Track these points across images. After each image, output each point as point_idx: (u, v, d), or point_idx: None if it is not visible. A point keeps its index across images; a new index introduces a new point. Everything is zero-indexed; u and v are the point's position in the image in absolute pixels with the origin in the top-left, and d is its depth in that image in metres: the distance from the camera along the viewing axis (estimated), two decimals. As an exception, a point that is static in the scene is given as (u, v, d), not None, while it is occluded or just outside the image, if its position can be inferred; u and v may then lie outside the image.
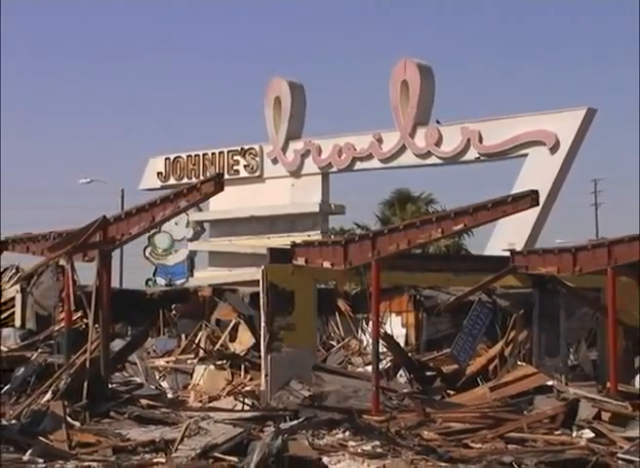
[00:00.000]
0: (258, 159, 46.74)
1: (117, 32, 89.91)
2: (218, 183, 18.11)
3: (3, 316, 23.28)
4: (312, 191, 45.15)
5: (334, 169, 45.05)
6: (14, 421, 14.99)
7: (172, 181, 46.48)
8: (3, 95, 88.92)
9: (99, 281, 17.72)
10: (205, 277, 43.89)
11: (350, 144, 44.32)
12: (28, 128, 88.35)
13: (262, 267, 19.80)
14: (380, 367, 18.38)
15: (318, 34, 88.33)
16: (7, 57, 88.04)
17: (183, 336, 27.18)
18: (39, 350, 20.27)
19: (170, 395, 19.56)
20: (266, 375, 18.59)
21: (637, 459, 12.24)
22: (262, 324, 19.29)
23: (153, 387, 19.96)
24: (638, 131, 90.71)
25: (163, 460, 12.64)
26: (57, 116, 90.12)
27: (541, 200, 20.73)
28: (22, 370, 18.25)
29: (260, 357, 19.63)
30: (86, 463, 12.18)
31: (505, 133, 40.58)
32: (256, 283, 20.94)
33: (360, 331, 26.81)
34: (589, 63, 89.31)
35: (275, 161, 46.18)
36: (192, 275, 48.30)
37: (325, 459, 12.36)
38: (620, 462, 12.22)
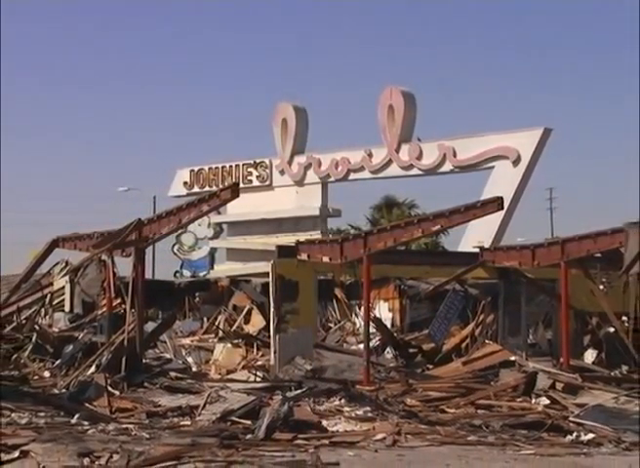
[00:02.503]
0: (267, 171, 46.69)
1: (154, 62, 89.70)
2: (234, 191, 18.12)
3: (55, 302, 23.25)
4: (313, 198, 45.11)
5: (331, 179, 44.99)
6: (64, 390, 15.03)
7: (196, 189, 46.36)
8: (57, 118, 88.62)
9: (134, 273, 17.71)
10: (223, 270, 43.82)
11: (345, 158, 44.27)
12: (77, 144, 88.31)
13: (272, 261, 19.81)
14: (371, 345, 18.36)
15: (319, 65, 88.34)
16: (59, 80, 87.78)
17: (205, 319, 27.14)
18: (85, 331, 20.26)
19: (194, 368, 19.50)
20: (275, 352, 18.56)
21: (586, 422, 12.26)
22: (272, 309, 19.30)
23: (180, 362, 19.93)
24: (588, 147, 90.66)
25: (188, 423, 12.62)
26: (100, 133, 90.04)
27: (505, 205, 20.79)
28: (71, 347, 18.22)
29: (269, 336, 19.63)
30: (124, 426, 12.14)
31: (475, 149, 40.56)
32: (266, 274, 20.91)
33: (354, 315, 26.76)
34: (546, 90, 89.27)
35: (282, 172, 46.12)
36: (213, 268, 48.20)
37: (324, 422, 12.35)
38: (571, 424, 12.24)
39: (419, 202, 53.76)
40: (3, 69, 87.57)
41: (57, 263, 23.53)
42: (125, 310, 17.94)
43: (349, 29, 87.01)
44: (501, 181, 38.29)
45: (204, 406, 13.36)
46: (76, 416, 12.60)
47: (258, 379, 17.53)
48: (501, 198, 17.64)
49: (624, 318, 19.29)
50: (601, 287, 19.61)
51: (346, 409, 13.81)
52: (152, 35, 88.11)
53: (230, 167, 48.07)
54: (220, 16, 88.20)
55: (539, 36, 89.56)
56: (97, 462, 9.49)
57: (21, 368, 17.91)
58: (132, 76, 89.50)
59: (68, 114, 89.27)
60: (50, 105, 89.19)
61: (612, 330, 19.24)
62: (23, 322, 21.24)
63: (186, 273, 48.58)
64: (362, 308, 21.69)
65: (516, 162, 39.53)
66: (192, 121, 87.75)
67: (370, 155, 43.48)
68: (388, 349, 20.60)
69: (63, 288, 23.34)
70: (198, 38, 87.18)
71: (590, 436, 11.57)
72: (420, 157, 41.95)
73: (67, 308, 23.08)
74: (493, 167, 40.19)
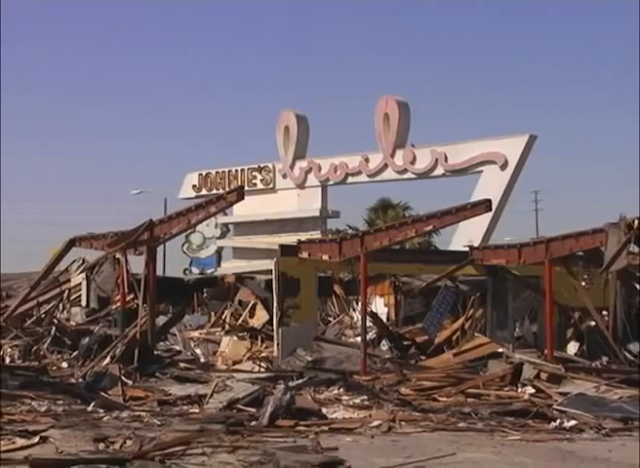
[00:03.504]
0: (271, 175, 46.64)
1: (170, 76, 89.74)
2: (239, 194, 18.14)
3: (72, 297, 23.28)
4: (314, 200, 45.08)
5: (331, 182, 44.95)
6: (80, 380, 15.05)
7: (204, 192, 46.30)
8: (76, 126, 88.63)
9: (146, 270, 17.73)
10: (230, 267, 43.78)
11: (344, 163, 44.24)
12: (93, 150, 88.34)
13: (275, 259, 19.78)
14: (367, 337, 18.38)
15: (320, 76, 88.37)
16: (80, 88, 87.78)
17: (213, 314, 27.14)
18: (100, 324, 20.28)
19: (202, 360, 19.51)
20: (278, 344, 18.57)
21: (569, 410, 12.27)
22: (275, 304, 19.29)
23: (189, 353, 19.94)
24: (571, 152, 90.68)
25: (197, 411, 12.64)
26: (115, 140, 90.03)
27: (493, 207, 20.76)
28: (87, 339, 18.25)
29: (272, 330, 19.65)
30: (137, 413, 12.17)
31: (465, 154, 40.54)
32: (269, 272, 20.93)
33: (351, 310, 26.76)
34: (531, 98, 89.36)
35: (285, 176, 46.08)
36: (220, 266, 48.14)
37: (324, 410, 12.36)
38: (555, 412, 12.25)
39: (412, 204, 53.70)
40: (24, 71, 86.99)
41: (74, 261, 23.59)
42: (138, 305, 17.96)
43: (348, 43, 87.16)
44: (490, 185, 38.27)
45: (211, 394, 13.39)
46: (92, 404, 12.62)
47: (262, 370, 17.55)
48: (490, 200, 17.69)
49: (604, 312, 19.29)
50: (583, 283, 19.60)
51: (345, 397, 13.85)
52: (171, 48, 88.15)
53: (236, 171, 48.05)
54: (230, 33, 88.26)
55: (524, 49, 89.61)
56: (111, 447, 9.50)
57: (41, 359, 17.94)
58: (147, 89, 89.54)
59: (87, 122, 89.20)
60: (68, 114, 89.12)
61: (593, 323, 19.23)
62: (43, 316, 21.27)
63: (195, 270, 48.58)
64: (359, 303, 21.74)
65: (503, 166, 39.53)
66: (201, 128, 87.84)
67: (367, 160, 43.46)
68: (384, 341, 20.58)
69: (80, 284, 23.40)
70: (209, 53, 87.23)
71: (573, 423, 11.57)
72: (413, 162, 41.93)
73: (84, 303, 23.13)
74: (482, 171, 40.17)
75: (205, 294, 30.40)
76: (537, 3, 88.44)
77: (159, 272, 24.16)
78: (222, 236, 49.68)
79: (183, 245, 50.33)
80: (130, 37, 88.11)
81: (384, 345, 20.41)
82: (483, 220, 34.03)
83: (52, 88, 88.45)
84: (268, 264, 21.96)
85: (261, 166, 47.11)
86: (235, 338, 21.36)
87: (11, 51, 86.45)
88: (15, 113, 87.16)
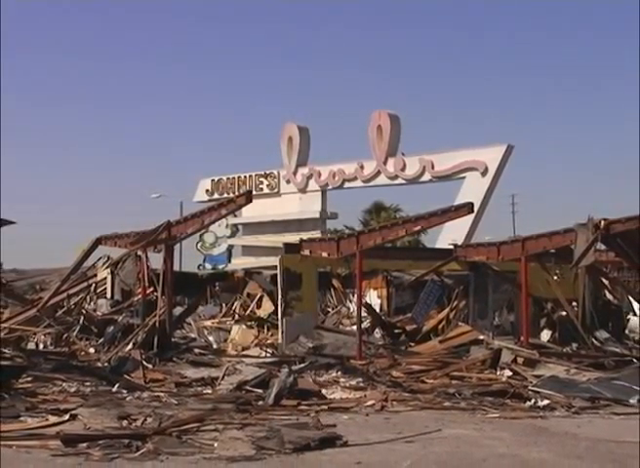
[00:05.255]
0: (276, 180, 46.74)
1: (186, 92, 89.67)
2: (248, 197, 18.15)
3: (98, 290, 23.25)
4: (314, 203, 45.16)
5: (329, 187, 45.04)
6: (106, 364, 15.05)
7: (215, 196, 46.43)
8: (97, 134, 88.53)
9: (165, 266, 17.72)
10: (239, 263, 43.81)
11: (341, 170, 44.33)
12: (117, 157, 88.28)
13: (279, 256, 19.80)
14: (362, 326, 18.38)
15: (320, 91, 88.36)
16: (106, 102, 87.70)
17: (224, 305, 27.11)
18: (123, 314, 20.20)
19: (214, 346, 19.52)
20: (282, 332, 18.56)
21: (542, 390, 12.27)
22: (279, 296, 19.29)
23: (203, 340, 19.94)
24: (545, 159, 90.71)
25: (210, 391, 12.65)
26: (138, 148, 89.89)
27: (475, 209, 20.83)
28: (112, 328, 18.20)
29: (277, 319, 19.63)
30: (156, 393, 12.17)
31: (450, 162, 40.65)
32: (275, 267, 20.89)
33: (348, 301, 26.75)
34: (510, 111, 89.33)
35: (288, 182, 46.16)
36: (230, 262, 48.20)
37: (323, 391, 12.35)
38: (530, 392, 12.25)
39: (403, 207, 53.70)
40: (46, 79, 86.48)
41: (100, 258, 23.56)
42: (157, 297, 17.94)
43: (346, 62, 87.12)
44: (472, 189, 38.34)
45: (223, 377, 13.40)
46: (116, 386, 12.62)
47: (268, 355, 17.54)
48: (472, 203, 17.69)
49: (574, 303, 19.29)
50: (555, 277, 19.60)
51: (342, 379, 13.82)
52: (193, 73, 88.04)
53: (244, 177, 48.14)
54: (242, 56, 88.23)
55: (502, 67, 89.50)
56: (133, 424, 9.51)
57: (71, 345, 17.92)
58: (169, 106, 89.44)
59: (108, 131, 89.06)
60: (96, 129, 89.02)
61: (564, 313, 19.23)
62: (72, 307, 21.25)
63: (208, 266, 48.57)
64: (355, 295, 21.72)
65: (484, 173, 39.62)
66: (214, 139, 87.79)
67: (362, 167, 43.56)
68: (377, 330, 20.58)
69: (105, 278, 23.36)
70: (226, 75, 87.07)
71: (546, 402, 11.57)
72: (403, 169, 42.06)
73: (109, 295, 23.08)
74: (464, 177, 40.28)
75: (217, 288, 30.36)
76: (515, 28, 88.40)
77: (176, 268, 24.12)
78: (232, 235, 49.74)
79: (198, 243, 50.38)
80: (157, 55, 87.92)
81: (378, 333, 20.41)
82: (466, 221, 34.13)
83: (76, 106, 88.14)
84: (274, 261, 21.94)
85: (267, 172, 47.23)
86: (244, 327, 21.34)
87: (38, 56, 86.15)
88: (40, 123, 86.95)
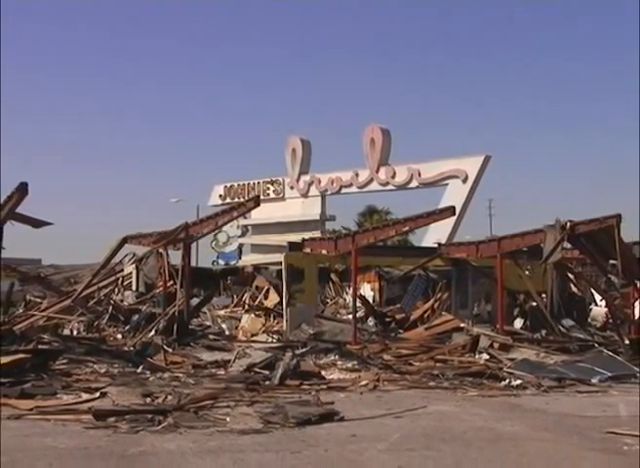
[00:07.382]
0: (281, 186, 46.76)
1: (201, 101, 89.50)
2: (256, 202, 18.20)
3: (125, 283, 23.26)
4: (315, 206, 45.18)
5: (328, 192, 45.06)
6: (132, 348, 15.05)
7: (228, 200, 46.39)
8: (120, 151, 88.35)
9: (183, 262, 17.72)
10: (249, 260, 43.85)
11: (338, 177, 44.36)
12: (140, 164, 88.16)
13: (284, 254, 19.79)
14: (357, 315, 18.37)
15: (320, 108, 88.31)
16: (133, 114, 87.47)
17: (235, 296, 27.13)
18: (147, 304, 20.26)
19: (227, 333, 19.52)
20: (286, 321, 18.53)
21: (515, 372, 12.26)
22: (284, 289, 19.29)
23: (217, 328, 19.93)
24: (519, 169, 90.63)
25: (223, 373, 12.63)
26: (160, 155, 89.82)
27: (457, 212, 20.86)
28: (137, 316, 18.21)
29: (282, 309, 19.61)
30: (175, 374, 12.17)
31: (435, 170, 40.69)
32: (280, 263, 20.90)
33: (344, 294, 26.77)
34: (488, 125, 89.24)
35: (292, 188, 46.18)
36: (241, 258, 48.26)
37: (323, 372, 12.35)
38: (504, 373, 12.24)
39: (393, 210, 53.65)
40: (72, 89, 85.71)
41: (126, 255, 23.58)
42: (176, 289, 17.94)
43: (344, 81, 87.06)
44: (454, 195, 38.35)
45: (234, 360, 13.36)
46: (141, 367, 12.63)
47: (274, 341, 17.54)
48: (454, 207, 17.79)
49: (543, 295, 19.29)
50: (526, 272, 19.60)
51: (339, 362, 13.81)
52: (206, 87, 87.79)
53: (253, 183, 48.17)
54: (250, 72, 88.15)
55: (483, 84, 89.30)
56: (156, 401, 9.51)
57: (101, 331, 17.93)
58: (185, 120, 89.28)
59: (138, 145, 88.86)
60: (115, 143, 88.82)
61: (534, 304, 19.23)
62: (102, 298, 21.26)
63: (221, 262, 48.63)
64: (351, 288, 21.73)
65: (465, 180, 39.64)
66: (227, 150, 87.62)
67: (357, 175, 43.58)
68: (370, 318, 20.58)
69: (131, 273, 23.39)
70: (237, 90, 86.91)
71: (518, 382, 11.56)
72: (393, 176, 42.10)
73: (134, 288, 23.11)
74: (447, 184, 40.30)
75: (229, 281, 30.39)
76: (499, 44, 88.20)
77: (193, 263, 24.14)
78: (243, 235, 49.78)
79: (212, 242, 50.42)
80: (176, 69, 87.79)
81: (371, 321, 20.41)
82: (448, 223, 34.08)
83: (93, 117, 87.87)
84: (279, 258, 21.93)
85: (273, 179, 47.27)
86: (253, 316, 21.34)
87: (68, 58, 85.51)
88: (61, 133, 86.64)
